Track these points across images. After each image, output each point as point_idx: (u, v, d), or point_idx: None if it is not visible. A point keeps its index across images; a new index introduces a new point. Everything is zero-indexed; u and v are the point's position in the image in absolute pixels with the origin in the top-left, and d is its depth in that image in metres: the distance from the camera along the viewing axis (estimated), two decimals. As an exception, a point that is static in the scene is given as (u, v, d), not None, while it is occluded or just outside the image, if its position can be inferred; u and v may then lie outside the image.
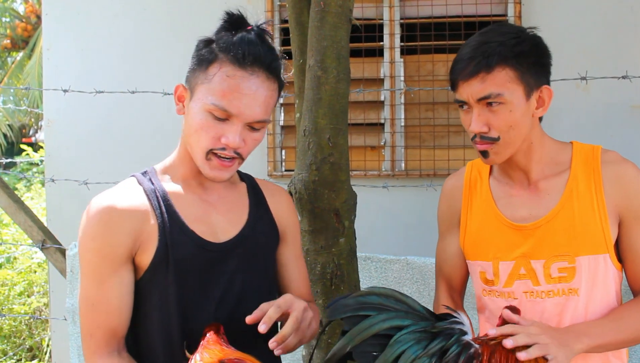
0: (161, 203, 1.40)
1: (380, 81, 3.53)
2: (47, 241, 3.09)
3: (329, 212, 2.06)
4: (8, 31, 16.00)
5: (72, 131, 3.78)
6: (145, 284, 1.39)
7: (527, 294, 1.53)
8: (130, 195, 1.40)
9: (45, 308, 5.57)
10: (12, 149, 15.21)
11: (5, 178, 10.12)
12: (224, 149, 1.36)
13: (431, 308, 1.73)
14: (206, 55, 1.37)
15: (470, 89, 1.45)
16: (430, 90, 3.41)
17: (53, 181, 3.33)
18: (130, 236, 1.35)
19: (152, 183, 1.43)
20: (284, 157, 3.69)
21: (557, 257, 1.50)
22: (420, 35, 3.47)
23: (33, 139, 16.68)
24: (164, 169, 1.49)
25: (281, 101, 3.63)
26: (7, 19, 15.89)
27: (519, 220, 1.55)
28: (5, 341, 5.06)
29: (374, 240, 3.27)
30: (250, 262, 1.48)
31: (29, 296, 5.87)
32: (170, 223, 1.39)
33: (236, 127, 1.35)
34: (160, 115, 3.60)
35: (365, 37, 3.48)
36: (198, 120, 1.36)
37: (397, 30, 3.50)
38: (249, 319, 1.30)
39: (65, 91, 3.06)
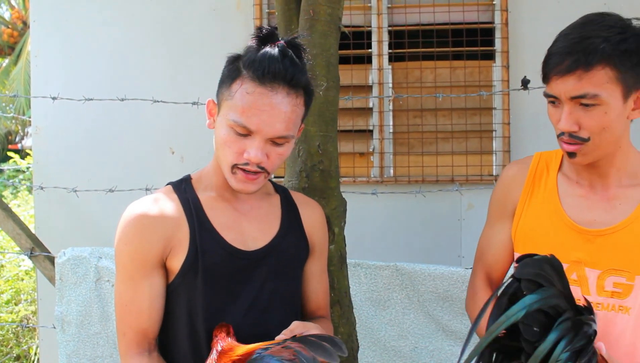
0: (193, 210, 1.46)
1: (369, 88, 3.55)
2: (36, 249, 3.08)
3: (319, 219, 2.07)
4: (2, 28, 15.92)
5: (60, 138, 3.76)
6: (176, 288, 1.44)
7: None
8: (163, 202, 1.47)
9: (33, 316, 5.53)
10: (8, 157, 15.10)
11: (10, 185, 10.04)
12: (247, 164, 1.39)
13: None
14: (231, 71, 1.41)
15: (565, 86, 1.35)
16: (418, 97, 3.43)
17: (42, 188, 3.32)
18: (162, 242, 1.42)
19: (186, 191, 1.50)
20: (273, 164, 3.68)
21: (615, 271, 1.42)
22: (408, 42, 3.50)
23: (19, 146, 16.57)
24: (199, 178, 1.55)
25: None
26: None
27: (582, 223, 1.46)
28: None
29: (363, 247, 3.28)
30: (279, 272, 1.52)
31: (16, 304, 5.83)
32: (201, 230, 1.44)
33: (257, 143, 1.38)
34: (149, 122, 3.60)
35: (354, 44, 3.49)
36: (222, 135, 1.40)
37: (385, 38, 3.52)
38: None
39: (54, 98, 3.06)
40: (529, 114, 3.34)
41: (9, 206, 2.99)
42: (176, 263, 1.43)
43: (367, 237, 3.44)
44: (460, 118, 3.47)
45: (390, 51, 3.53)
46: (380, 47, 3.52)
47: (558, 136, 1.42)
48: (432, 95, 3.31)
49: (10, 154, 10.05)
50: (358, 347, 2.19)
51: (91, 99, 3.16)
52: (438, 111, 3.50)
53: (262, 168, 1.41)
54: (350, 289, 2.77)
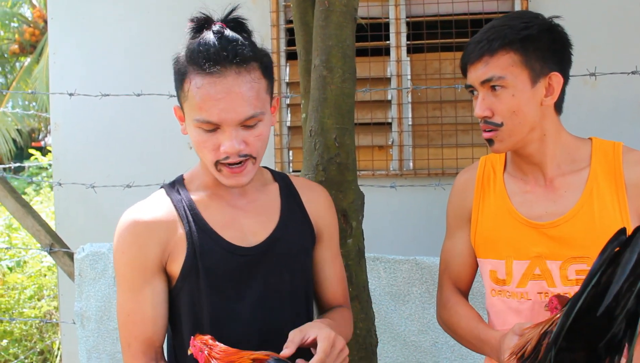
0: (187, 212, 1.41)
1: (387, 80, 3.51)
2: (55, 245, 3.09)
3: (337, 213, 2.03)
4: (16, 36, 16.07)
5: (79, 135, 3.78)
6: (179, 292, 1.40)
7: (541, 295, 1.48)
8: (157, 207, 1.42)
9: (56, 312, 5.58)
10: (22, 154, 15.27)
11: (15, 183, 10.17)
12: (227, 157, 1.32)
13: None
14: (178, 72, 1.34)
15: (475, 73, 1.45)
16: (437, 88, 3.38)
17: (60, 184, 3.33)
18: (159, 247, 1.37)
19: (179, 193, 1.44)
20: (291, 158, 3.67)
21: (575, 259, 1.44)
22: (426, 33, 3.45)
23: (42, 143, 16.75)
24: (191, 178, 1.48)
25: (287, 101, 3.61)
26: (16, 24, 15.96)
27: (535, 218, 1.49)
28: (17, 344, 5.07)
29: (383, 241, 3.25)
30: (284, 264, 1.45)
31: (39, 299, 5.89)
32: (198, 231, 1.39)
33: (228, 133, 1.30)
34: (166, 117, 3.58)
35: (371, 36, 3.45)
36: (194, 138, 1.34)
37: (404, 29, 3.48)
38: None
39: (70, 94, 3.06)
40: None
41: (32, 203, 3.00)
42: (176, 266, 1.38)
43: (387, 231, 3.40)
44: (480, 110, 3.41)
45: (408, 42, 3.48)
46: (398, 38, 3.48)
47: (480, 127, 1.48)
48: (451, 86, 3.26)
49: (31, 151, 10.15)
50: (377, 342, 2.16)
51: (107, 95, 3.17)
52: (458, 102, 3.45)
53: (245, 155, 1.33)
54: (370, 283, 2.75)
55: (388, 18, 3.48)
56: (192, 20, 1.35)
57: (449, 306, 1.63)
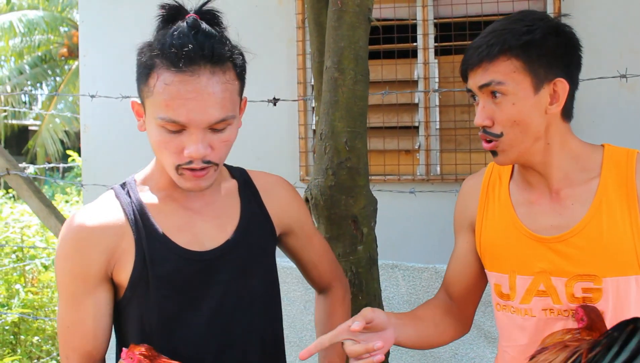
0: (137, 216, 1.31)
1: (414, 83, 3.44)
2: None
3: (346, 219, 1.99)
4: (65, 40, 16.49)
5: (107, 136, 3.82)
6: (127, 304, 1.31)
7: (546, 312, 1.39)
8: (104, 211, 1.31)
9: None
10: (67, 155, 15.66)
11: (61, 182, 10.40)
12: (190, 162, 1.22)
13: None
14: (144, 64, 1.23)
15: (474, 79, 1.36)
16: (465, 91, 3.29)
17: (82, 186, 3.36)
18: (104, 255, 1.27)
19: (130, 196, 1.34)
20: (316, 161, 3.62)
21: (581, 277, 1.35)
22: (455, 35, 3.37)
23: (88, 144, 17.11)
24: (144, 179, 1.38)
25: (312, 104, 3.57)
26: (65, 28, 16.37)
27: (539, 231, 1.40)
28: (50, 341, 5.16)
29: (407, 247, 3.17)
30: (244, 269, 1.37)
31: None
32: (148, 237, 1.29)
33: (195, 136, 1.20)
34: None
35: (398, 38, 3.39)
36: (155, 137, 1.24)
37: (431, 31, 3.41)
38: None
39: (92, 96, 3.08)
40: (582, 108, 3.15)
41: (72, 202, 3.02)
42: (123, 276, 1.28)
43: (411, 237, 3.33)
44: (510, 113, 3.31)
45: (436, 44, 3.41)
46: (425, 40, 3.41)
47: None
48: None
49: (69, 153, 10.37)
50: (389, 352, 2.10)
51: (128, 97, 3.17)
52: (486, 106, 3.34)
53: (209, 162, 1.24)
54: (388, 291, 2.68)
55: (415, 19, 3.42)
56: (162, 8, 1.24)
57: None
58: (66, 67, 16.83)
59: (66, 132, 15.75)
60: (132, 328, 1.31)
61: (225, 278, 1.34)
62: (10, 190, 10.30)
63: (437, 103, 3.42)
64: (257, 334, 1.38)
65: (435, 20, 3.40)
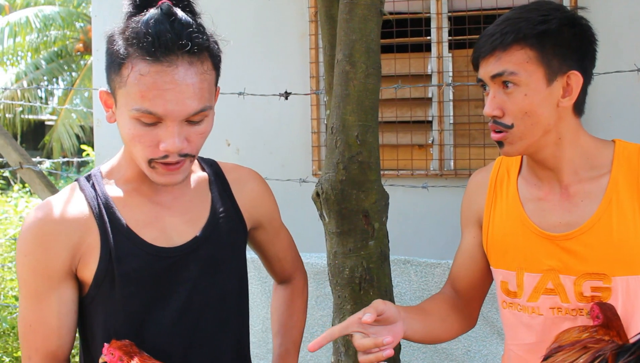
0: (103, 210, 1.24)
1: (428, 77, 3.41)
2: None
3: (358, 213, 1.97)
4: (81, 35, 16.57)
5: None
6: (91, 301, 1.25)
7: (553, 310, 1.37)
8: (68, 204, 1.25)
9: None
10: (82, 150, 15.77)
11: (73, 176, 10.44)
12: (166, 156, 1.17)
13: None
14: (116, 53, 1.15)
15: (486, 68, 1.33)
16: (479, 85, 3.25)
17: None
18: (68, 250, 1.21)
19: (95, 189, 1.27)
20: (328, 156, 3.61)
21: (590, 276, 1.32)
22: (469, 28, 3.33)
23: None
24: (110, 172, 1.30)
25: (326, 98, 3.55)
26: (81, 24, 16.45)
27: (547, 228, 1.37)
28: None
29: (419, 243, 3.15)
30: (213, 265, 1.32)
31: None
32: (114, 232, 1.24)
33: (171, 129, 1.14)
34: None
35: (412, 32, 3.36)
36: (128, 130, 1.17)
37: (445, 24, 3.37)
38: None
39: (95, 89, 3.08)
40: (599, 101, 3.10)
41: None
42: (88, 272, 1.22)
43: (424, 233, 3.30)
44: (525, 108, 3.26)
45: (450, 38, 3.38)
46: (439, 34, 3.37)
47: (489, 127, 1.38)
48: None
49: (83, 147, 10.42)
50: (400, 348, 2.08)
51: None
52: (501, 100, 3.30)
53: (185, 155, 1.18)
54: (400, 287, 2.66)
55: (429, 13, 3.38)
56: None
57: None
58: (82, 62, 16.91)
59: (82, 127, 15.84)
60: (96, 326, 1.26)
61: (193, 275, 1.29)
62: (26, 184, 10.38)
63: (451, 97, 3.39)
64: (231, 333, 1.35)
65: (449, 14, 3.37)
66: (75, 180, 1.31)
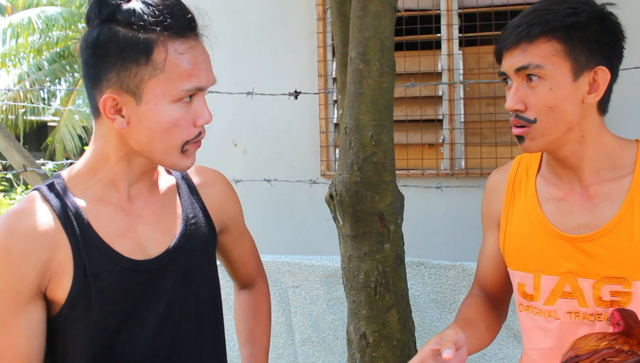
0: (74, 222, 1.15)
1: (438, 75, 3.35)
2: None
3: (373, 216, 1.92)
4: (83, 36, 16.50)
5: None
6: (63, 321, 1.16)
7: (571, 315, 1.32)
8: (33, 217, 1.14)
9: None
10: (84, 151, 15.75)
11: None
12: (200, 133, 1.16)
13: None
14: (136, 45, 1.09)
15: (511, 60, 1.28)
16: (491, 83, 3.20)
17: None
18: (37, 269, 1.11)
19: (61, 198, 1.16)
20: (337, 156, 3.55)
21: (610, 279, 1.28)
22: (480, 25, 3.27)
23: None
24: (76, 179, 1.20)
25: (334, 97, 3.50)
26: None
27: (566, 230, 1.33)
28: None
29: (432, 245, 3.09)
30: (191, 273, 1.27)
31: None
32: (88, 246, 1.15)
33: (203, 101, 1.16)
34: (223, 115, 3.54)
35: (422, 29, 3.30)
36: (168, 118, 1.12)
37: (455, 21, 3.31)
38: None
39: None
40: (613, 98, 3.04)
41: None
42: (60, 292, 1.13)
43: (436, 235, 3.24)
44: (538, 106, 3.21)
45: (460, 35, 3.32)
46: (449, 31, 3.31)
47: (510, 121, 1.33)
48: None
49: (86, 148, 10.38)
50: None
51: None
52: (513, 98, 3.25)
53: None
54: (414, 290, 2.60)
55: (439, 9, 3.32)
56: None
57: (460, 305, 1.52)
58: (84, 63, 16.84)
59: (84, 128, 15.81)
60: (69, 346, 1.18)
61: (170, 286, 1.23)
62: (29, 186, 10.35)
63: (462, 95, 3.33)
64: (209, 343, 1.31)
65: (460, 10, 3.31)
66: (33, 189, 1.20)
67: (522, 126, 1.29)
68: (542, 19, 1.25)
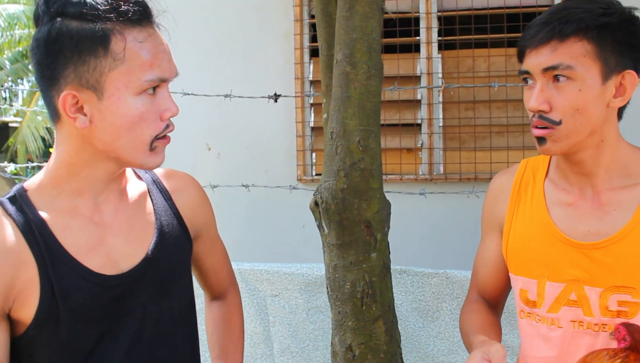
0: (39, 237, 1.07)
1: (417, 79, 3.32)
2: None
3: (359, 224, 1.85)
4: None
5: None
6: (29, 342, 1.08)
7: (574, 323, 1.28)
8: None
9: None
10: (49, 153, 15.43)
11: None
12: (168, 126, 1.10)
13: None
14: (87, 36, 1.02)
15: (538, 58, 1.22)
16: (470, 87, 3.17)
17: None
18: (0, 290, 1.04)
19: (24, 212, 1.08)
20: (314, 160, 3.49)
21: (618, 288, 1.25)
22: (459, 28, 3.26)
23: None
24: (39, 190, 1.12)
25: (311, 100, 3.43)
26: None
27: (575, 236, 1.29)
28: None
29: (410, 252, 3.05)
30: (166, 285, 1.20)
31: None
32: (55, 263, 1.07)
33: (167, 93, 1.10)
34: (183, 117, 3.42)
35: (401, 32, 3.27)
36: (133, 112, 1.06)
37: (435, 24, 3.29)
38: None
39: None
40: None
41: None
42: (26, 312, 1.05)
43: (415, 241, 3.20)
44: (517, 110, 3.20)
45: (439, 38, 3.30)
46: (429, 34, 3.28)
47: (531, 120, 1.28)
48: (485, 85, 3.04)
49: (51, 150, 10.15)
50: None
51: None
52: (492, 102, 3.24)
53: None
54: (396, 298, 2.55)
55: (418, 12, 3.30)
56: None
57: (464, 312, 1.49)
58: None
59: (48, 129, 15.48)
60: None
61: (143, 301, 1.16)
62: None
63: (441, 100, 3.30)
64: (185, 358, 1.24)
65: (439, 13, 3.29)
66: None
67: (545, 128, 1.24)
68: (576, 17, 1.20)
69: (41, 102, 16.16)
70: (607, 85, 1.22)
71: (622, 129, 1.32)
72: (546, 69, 1.22)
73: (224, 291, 1.48)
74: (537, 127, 1.26)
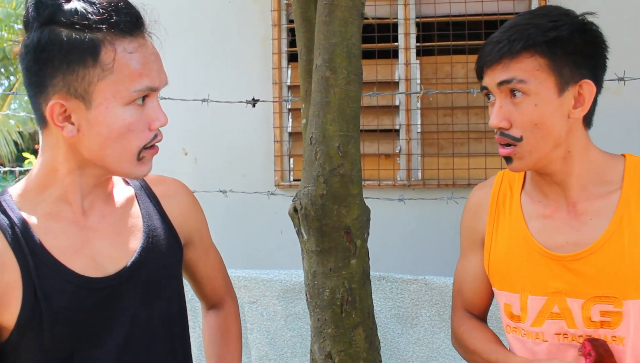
0: (22, 240, 1.07)
1: (395, 84, 3.32)
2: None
3: (339, 230, 1.84)
4: (20, 38, 15.98)
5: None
6: (13, 348, 1.08)
7: (559, 336, 1.29)
8: None
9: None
10: (23, 157, 15.24)
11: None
12: (156, 136, 1.10)
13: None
14: (76, 45, 1.02)
15: (493, 75, 1.25)
16: (448, 93, 3.18)
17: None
18: None
19: (8, 215, 1.09)
20: (292, 166, 3.47)
21: (599, 299, 1.25)
22: (437, 35, 3.27)
23: (43, 146, 16.66)
24: (24, 195, 1.12)
25: (289, 106, 3.42)
26: (20, 26, 15.86)
27: (553, 248, 1.29)
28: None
29: (389, 258, 3.04)
30: (155, 290, 1.19)
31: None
32: (38, 265, 1.07)
33: (156, 103, 1.10)
34: (173, 123, 3.40)
35: (379, 38, 3.27)
36: (121, 123, 1.06)
37: (413, 30, 3.29)
38: None
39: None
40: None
41: None
42: (9, 316, 1.05)
43: (393, 247, 3.19)
44: (495, 117, 3.21)
45: (418, 44, 3.30)
46: (407, 40, 3.29)
47: (496, 139, 1.29)
48: (463, 91, 3.05)
49: (25, 155, 10.00)
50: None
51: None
52: (470, 108, 3.25)
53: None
54: (375, 305, 2.54)
55: (396, 18, 3.30)
56: None
57: (462, 330, 1.47)
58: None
59: (20, 133, 15.28)
60: None
61: (131, 305, 1.15)
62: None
63: (419, 105, 3.30)
64: None
65: (418, 20, 3.29)
66: None
67: (509, 145, 1.25)
68: (523, 34, 1.22)
69: (14, 105, 15.96)
70: (564, 97, 1.23)
71: (621, 137, 1.32)
72: (500, 83, 1.23)
73: (221, 300, 1.47)
74: (501, 144, 1.27)
